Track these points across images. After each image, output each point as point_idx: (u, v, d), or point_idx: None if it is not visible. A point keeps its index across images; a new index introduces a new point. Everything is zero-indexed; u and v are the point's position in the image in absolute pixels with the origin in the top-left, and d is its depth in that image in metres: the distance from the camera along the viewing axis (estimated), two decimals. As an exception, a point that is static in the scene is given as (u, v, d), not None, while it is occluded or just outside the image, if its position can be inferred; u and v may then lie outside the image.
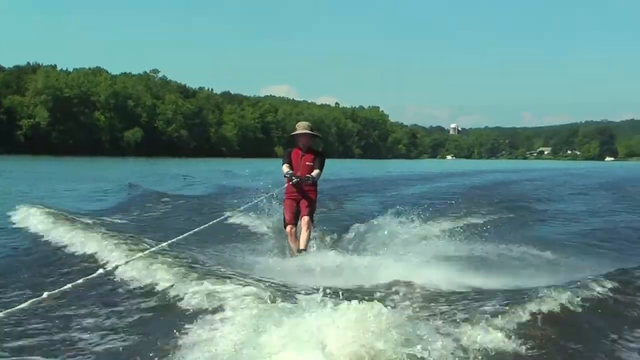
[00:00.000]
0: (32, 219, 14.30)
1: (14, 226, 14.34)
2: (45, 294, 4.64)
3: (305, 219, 10.63)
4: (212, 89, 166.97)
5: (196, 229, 7.85)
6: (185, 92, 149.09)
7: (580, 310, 6.50)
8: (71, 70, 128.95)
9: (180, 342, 5.60)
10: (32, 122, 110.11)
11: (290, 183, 10.67)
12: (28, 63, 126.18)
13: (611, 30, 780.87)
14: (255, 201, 11.82)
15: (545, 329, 5.89)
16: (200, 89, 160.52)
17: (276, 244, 11.84)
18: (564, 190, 32.05)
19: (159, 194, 23.49)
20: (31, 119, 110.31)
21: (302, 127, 10.95)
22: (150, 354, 5.43)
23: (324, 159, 11.03)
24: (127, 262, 7.77)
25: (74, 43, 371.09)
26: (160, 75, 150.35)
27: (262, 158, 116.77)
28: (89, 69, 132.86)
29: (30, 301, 4.55)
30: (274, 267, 9.39)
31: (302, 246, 10.46)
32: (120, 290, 7.91)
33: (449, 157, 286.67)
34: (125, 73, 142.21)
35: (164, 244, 7.05)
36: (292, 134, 11.16)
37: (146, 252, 7.47)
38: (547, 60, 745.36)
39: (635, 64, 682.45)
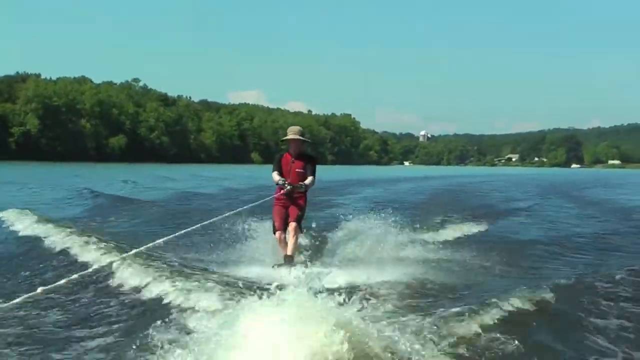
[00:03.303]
0: (17, 222, 15.15)
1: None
2: (39, 289, 4.62)
3: (292, 225, 10.35)
4: (190, 97, 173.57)
5: (188, 229, 7.88)
6: (166, 101, 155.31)
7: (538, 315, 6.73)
8: (55, 79, 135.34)
9: (165, 338, 5.71)
10: (23, 129, 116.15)
11: (283, 192, 10.44)
12: (17, 72, 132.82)
13: (582, 38, 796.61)
14: (233, 212, 10.73)
15: (511, 329, 6.08)
16: (179, 97, 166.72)
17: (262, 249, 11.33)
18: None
19: (121, 199, 24.92)
20: (22, 126, 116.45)
21: (292, 132, 10.71)
22: (136, 349, 5.63)
23: (316, 165, 10.86)
24: (122, 259, 8.19)
25: (54, 52, 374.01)
26: (140, 84, 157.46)
27: (239, 164, 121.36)
28: (74, 78, 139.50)
29: (24, 296, 4.58)
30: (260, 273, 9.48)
31: (289, 252, 10.20)
32: (111, 286, 8.35)
33: (406, 163, 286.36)
34: (107, 82, 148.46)
35: (159, 240, 7.04)
36: (282, 139, 11.00)
37: (141, 248, 7.69)
38: (517, 68, 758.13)
39: (604, 73, 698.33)
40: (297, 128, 10.92)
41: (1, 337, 6.35)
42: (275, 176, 10.60)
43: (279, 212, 10.58)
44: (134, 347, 5.76)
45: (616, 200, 31.01)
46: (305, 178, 10.60)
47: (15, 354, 5.89)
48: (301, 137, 10.73)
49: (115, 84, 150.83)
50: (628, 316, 7.12)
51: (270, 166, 11.00)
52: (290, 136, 10.66)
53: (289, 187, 10.41)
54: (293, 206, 10.58)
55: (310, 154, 11.16)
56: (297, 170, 10.59)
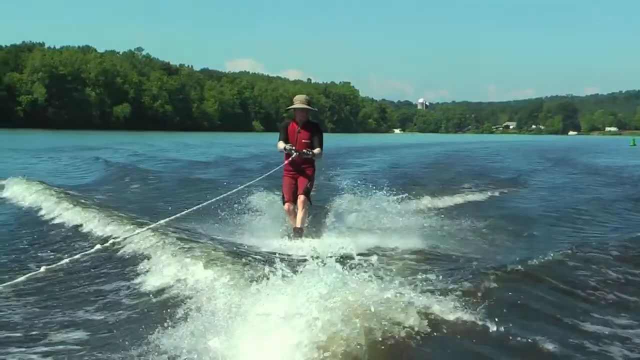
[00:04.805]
0: (22, 191, 15.12)
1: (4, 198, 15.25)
2: (42, 268, 4.60)
3: (301, 198, 10.34)
4: (192, 66, 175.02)
5: (194, 208, 7.80)
6: (168, 70, 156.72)
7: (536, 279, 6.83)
8: (59, 48, 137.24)
9: (171, 321, 5.28)
10: (30, 98, 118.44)
11: (291, 158, 10.36)
12: (23, 42, 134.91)
13: (577, 6, 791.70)
14: (248, 184, 11.02)
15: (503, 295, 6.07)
16: (182, 66, 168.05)
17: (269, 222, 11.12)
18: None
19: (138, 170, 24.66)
20: (29, 95, 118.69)
21: (299, 101, 10.49)
22: (141, 334, 5.30)
23: (322, 135, 10.66)
24: (125, 239, 7.89)
25: (56, 21, 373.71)
26: (144, 53, 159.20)
27: (241, 132, 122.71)
28: (79, 47, 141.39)
29: (27, 275, 4.56)
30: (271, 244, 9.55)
31: (298, 224, 10.25)
32: (116, 266, 8.04)
33: (396, 131, 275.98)
34: (111, 51, 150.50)
35: (162, 221, 6.91)
36: (288, 108, 10.85)
37: (145, 229, 7.53)
38: (513, 35, 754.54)
39: (601, 39, 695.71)
40: (303, 97, 10.70)
41: (3, 316, 6.19)
42: (281, 144, 10.50)
43: (288, 183, 10.54)
44: (142, 327, 5.57)
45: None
46: (312, 148, 10.44)
47: (17, 334, 5.72)
48: (309, 107, 10.63)
49: (119, 53, 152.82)
50: (622, 284, 7.29)
51: (273, 134, 11.19)
52: (297, 105, 10.48)
53: (295, 153, 10.32)
54: (302, 177, 10.52)
55: (315, 123, 11.01)
56: (303, 140, 10.44)
